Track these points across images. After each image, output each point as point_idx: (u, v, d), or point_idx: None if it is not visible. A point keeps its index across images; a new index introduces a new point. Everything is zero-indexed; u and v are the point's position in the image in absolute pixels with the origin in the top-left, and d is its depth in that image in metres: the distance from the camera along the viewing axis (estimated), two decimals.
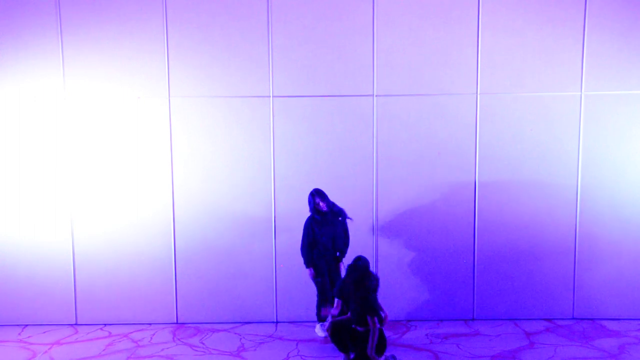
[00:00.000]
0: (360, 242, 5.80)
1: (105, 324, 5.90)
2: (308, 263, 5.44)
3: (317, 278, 5.47)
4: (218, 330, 5.72)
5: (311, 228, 5.39)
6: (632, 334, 5.54)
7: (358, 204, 5.78)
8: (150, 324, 5.90)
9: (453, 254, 5.86)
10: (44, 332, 5.71)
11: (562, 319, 5.93)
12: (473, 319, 5.94)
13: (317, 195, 5.36)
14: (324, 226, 5.39)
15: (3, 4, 5.65)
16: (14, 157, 5.77)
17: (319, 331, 5.49)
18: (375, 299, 4.66)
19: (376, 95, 5.75)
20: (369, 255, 5.78)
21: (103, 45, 5.69)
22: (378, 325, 4.51)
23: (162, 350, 5.23)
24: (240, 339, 5.50)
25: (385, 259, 5.87)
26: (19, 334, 5.70)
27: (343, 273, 5.45)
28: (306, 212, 5.63)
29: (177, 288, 5.89)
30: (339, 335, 4.80)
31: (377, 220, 5.84)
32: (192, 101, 5.75)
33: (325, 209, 5.35)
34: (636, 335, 5.51)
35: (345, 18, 5.70)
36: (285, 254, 5.83)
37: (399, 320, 5.90)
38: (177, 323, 5.92)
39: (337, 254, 5.52)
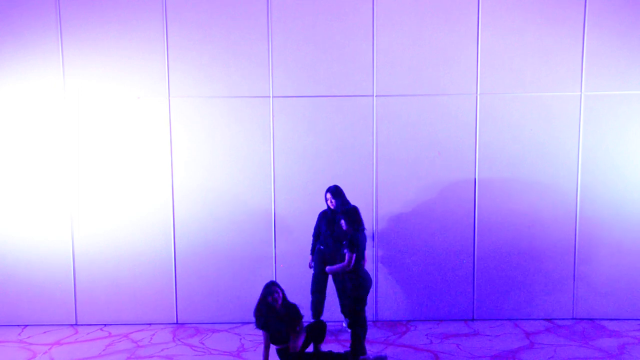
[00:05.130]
0: None
1: (105, 324, 5.89)
2: (311, 251, 5.60)
3: (311, 267, 5.59)
4: (218, 331, 5.72)
5: (318, 219, 5.53)
6: (632, 334, 5.54)
7: (358, 203, 5.75)
8: (150, 324, 5.90)
9: (453, 254, 5.86)
10: (44, 332, 5.71)
11: (562, 319, 5.93)
12: (473, 319, 5.94)
13: (330, 191, 5.40)
14: (330, 224, 5.40)
15: (3, 4, 5.65)
16: (14, 157, 5.77)
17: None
18: (363, 240, 4.82)
19: (376, 96, 5.76)
20: (368, 256, 5.80)
21: (103, 45, 5.69)
22: (352, 264, 4.66)
23: (162, 350, 5.23)
24: (240, 339, 5.50)
25: (385, 259, 5.87)
26: (19, 334, 5.70)
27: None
28: (306, 212, 5.64)
29: (177, 288, 5.89)
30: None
31: (376, 220, 5.84)
32: (192, 101, 5.75)
33: (333, 206, 5.38)
34: (636, 335, 5.51)
35: (345, 18, 5.70)
36: (285, 254, 5.83)
37: (399, 320, 5.90)
38: (177, 323, 5.92)
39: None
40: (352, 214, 4.82)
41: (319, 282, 5.55)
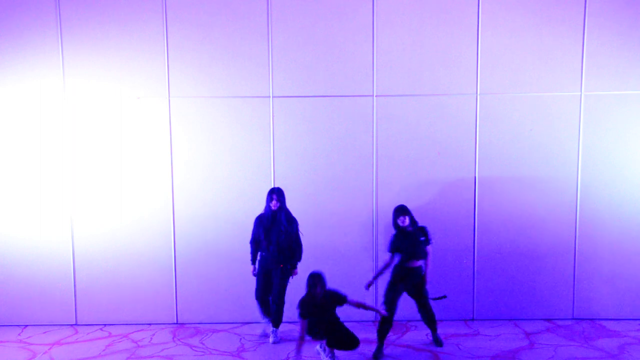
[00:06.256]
0: (360, 243, 5.82)
1: (105, 324, 5.90)
2: (252, 259, 5.48)
3: (255, 275, 5.51)
4: (218, 331, 5.72)
5: (256, 225, 5.38)
6: (632, 334, 5.54)
7: (358, 204, 5.78)
8: (150, 324, 5.90)
9: (453, 254, 5.86)
10: (44, 332, 5.71)
11: (562, 319, 5.93)
12: (473, 319, 5.94)
13: (275, 192, 5.29)
14: (271, 227, 5.28)
15: (3, 4, 5.65)
16: (14, 157, 5.77)
17: (271, 336, 5.42)
18: None
19: (376, 96, 5.76)
20: (369, 255, 5.81)
21: (103, 45, 5.69)
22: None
23: (162, 350, 5.23)
24: (240, 339, 5.50)
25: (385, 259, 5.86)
26: (19, 334, 5.70)
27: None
28: (306, 212, 5.64)
29: (177, 288, 5.89)
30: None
31: (376, 220, 5.84)
32: (192, 101, 5.76)
33: (275, 207, 5.25)
34: (636, 335, 5.51)
35: (345, 18, 5.70)
36: None
37: (399, 320, 5.89)
38: (177, 323, 5.92)
39: (281, 260, 5.34)
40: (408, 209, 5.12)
41: (264, 289, 5.42)
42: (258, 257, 5.46)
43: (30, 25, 5.66)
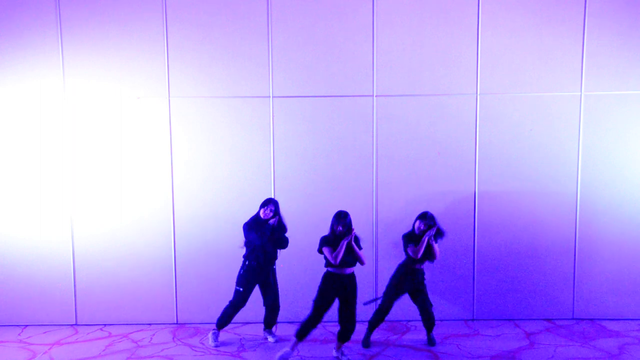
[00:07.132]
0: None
1: (105, 324, 5.90)
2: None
3: (239, 287, 5.26)
4: None
5: (249, 233, 5.18)
6: (632, 334, 5.54)
7: (358, 204, 5.78)
8: (150, 324, 5.90)
9: (453, 254, 5.87)
10: (44, 332, 5.71)
11: (562, 319, 5.93)
12: (473, 319, 5.94)
13: (273, 202, 5.17)
14: (264, 232, 5.15)
15: (3, 4, 5.65)
16: (14, 157, 5.77)
17: (211, 339, 5.33)
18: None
19: (376, 96, 5.76)
20: (368, 256, 5.80)
21: (103, 45, 5.69)
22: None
23: (162, 350, 5.23)
24: (240, 339, 5.50)
25: (385, 260, 5.87)
26: (19, 334, 5.70)
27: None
28: (306, 212, 5.64)
29: (177, 288, 5.89)
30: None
31: (376, 220, 5.84)
32: (192, 101, 5.76)
33: (270, 216, 5.14)
34: (636, 335, 5.51)
35: (345, 18, 5.70)
36: (284, 254, 5.82)
37: (399, 320, 5.90)
38: (177, 323, 5.92)
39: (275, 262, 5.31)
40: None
41: (245, 299, 5.27)
42: (244, 268, 5.24)
43: (30, 25, 5.66)
